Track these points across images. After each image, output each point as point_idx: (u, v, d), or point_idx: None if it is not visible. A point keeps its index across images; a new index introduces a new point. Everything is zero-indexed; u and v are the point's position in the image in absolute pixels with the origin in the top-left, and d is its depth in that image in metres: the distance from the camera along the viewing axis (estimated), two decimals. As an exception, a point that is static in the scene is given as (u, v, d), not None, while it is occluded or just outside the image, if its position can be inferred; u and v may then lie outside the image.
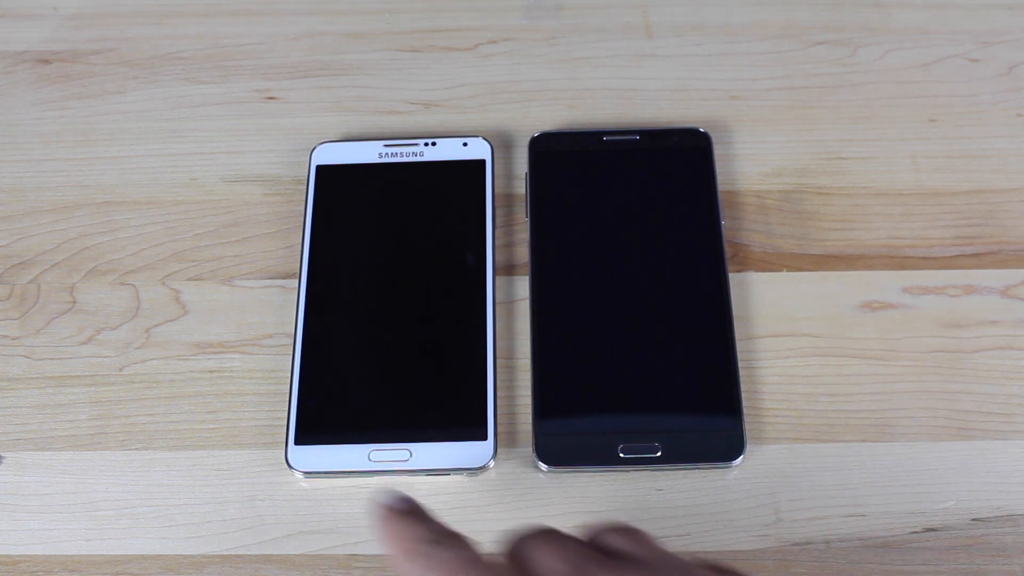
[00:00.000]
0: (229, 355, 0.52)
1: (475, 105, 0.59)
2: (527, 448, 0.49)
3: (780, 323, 0.52)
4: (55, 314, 0.53)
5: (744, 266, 0.53)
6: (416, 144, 0.56)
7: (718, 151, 0.56)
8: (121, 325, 0.53)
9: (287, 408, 0.50)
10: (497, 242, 0.54)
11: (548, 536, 0.37)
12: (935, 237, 0.54)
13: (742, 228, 0.54)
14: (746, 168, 0.56)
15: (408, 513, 0.40)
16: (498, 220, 0.55)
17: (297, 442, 0.49)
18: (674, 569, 0.36)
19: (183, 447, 0.50)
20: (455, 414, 0.49)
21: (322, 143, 0.56)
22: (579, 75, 0.59)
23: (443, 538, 0.38)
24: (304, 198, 0.55)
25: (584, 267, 0.52)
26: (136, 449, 0.50)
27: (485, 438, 0.49)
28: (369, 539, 0.47)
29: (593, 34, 0.61)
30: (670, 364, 0.50)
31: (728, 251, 0.53)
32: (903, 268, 0.53)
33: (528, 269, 0.53)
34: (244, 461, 0.49)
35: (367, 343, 0.51)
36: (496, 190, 0.55)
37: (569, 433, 0.49)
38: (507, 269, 0.54)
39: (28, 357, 0.52)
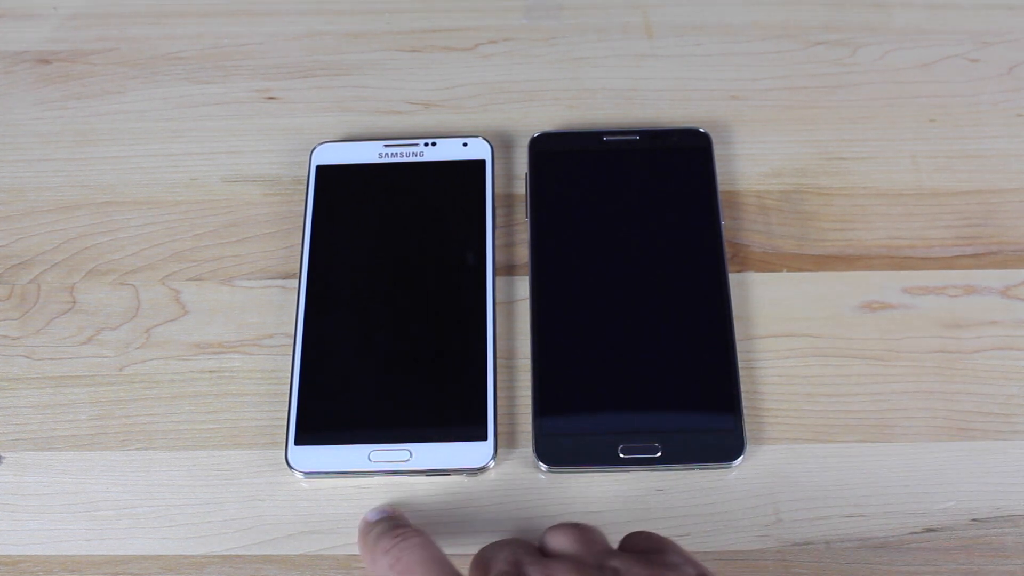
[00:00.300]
0: (229, 355, 0.52)
1: (475, 105, 0.59)
2: (527, 448, 0.49)
3: (780, 323, 0.52)
4: (55, 314, 0.53)
5: (744, 266, 0.53)
6: (416, 144, 0.56)
7: (718, 151, 0.56)
8: (121, 325, 0.53)
9: (287, 408, 0.50)
10: (497, 242, 0.54)
11: (506, 540, 0.42)
12: (935, 237, 0.54)
13: (742, 228, 0.54)
14: (746, 168, 0.56)
15: (379, 521, 0.44)
16: (498, 220, 0.55)
17: (297, 442, 0.49)
18: (595, 569, 0.40)
19: (183, 447, 0.50)
20: (455, 414, 0.49)
21: (322, 143, 0.56)
22: (579, 75, 0.59)
23: (409, 535, 0.42)
24: (304, 198, 0.55)
25: (584, 267, 0.52)
26: (136, 449, 0.50)
27: (485, 438, 0.49)
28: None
29: (593, 34, 0.61)
30: (670, 364, 0.50)
31: (728, 251, 0.53)
32: (903, 268, 0.53)
33: (528, 269, 0.53)
34: (244, 461, 0.49)
35: (367, 343, 0.51)
36: (496, 190, 0.55)
37: (569, 433, 0.49)
38: (507, 269, 0.54)
39: (28, 357, 0.52)
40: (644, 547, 0.42)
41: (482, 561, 0.41)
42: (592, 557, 0.40)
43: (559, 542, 0.42)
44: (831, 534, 0.47)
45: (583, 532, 0.42)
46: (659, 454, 0.48)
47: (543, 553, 0.42)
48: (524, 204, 0.55)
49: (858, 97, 0.58)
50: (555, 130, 0.57)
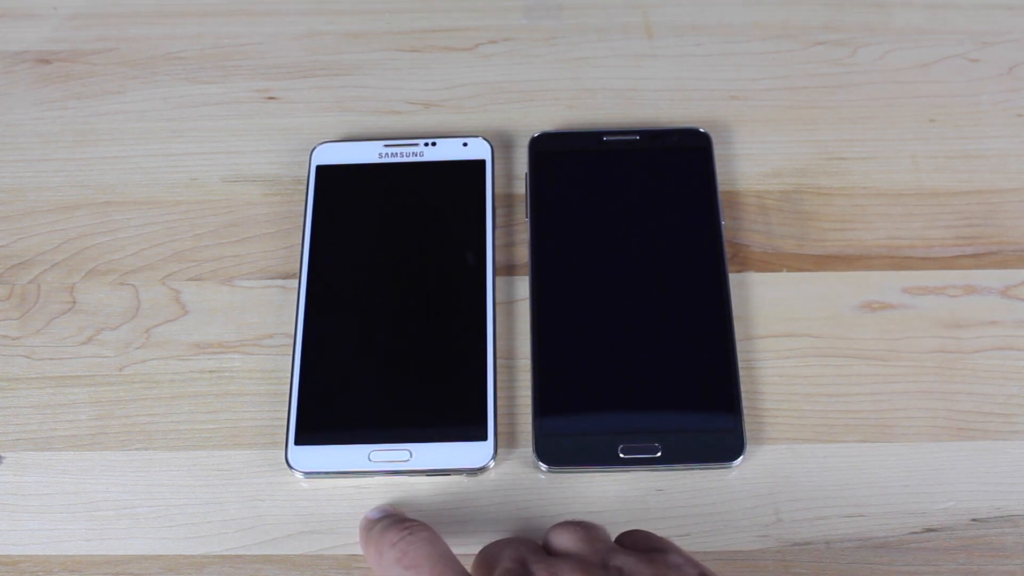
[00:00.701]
0: (229, 355, 0.52)
1: (475, 105, 0.59)
2: (527, 448, 0.49)
3: (780, 323, 0.52)
4: (55, 314, 0.53)
5: (744, 266, 0.53)
6: (416, 144, 0.56)
7: (718, 151, 0.56)
8: (121, 325, 0.53)
9: (287, 408, 0.50)
10: (497, 242, 0.54)
11: (510, 539, 0.42)
12: (935, 237, 0.54)
13: (742, 228, 0.54)
14: (746, 168, 0.56)
15: (382, 517, 0.44)
16: (498, 220, 0.55)
17: (297, 442, 0.49)
18: (600, 567, 0.40)
19: (183, 447, 0.50)
20: (455, 414, 0.49)
21: (322, 143, 0.56)
22: (579, 75, 0.59)
23: (417, 530, 0.42)
24: (304, 198, 0.55)
25: (584, 267, 0.52)
26: (136, 449, 0.50)
27: (485, 438, 0.49)
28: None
29: (593, 34, 0.61)
30: (670, 364, 0.50)
31: (728, 251, 0.53)
32: (903, 268, 0.53)
33: (528, 269, 0.53)
34: (244, 461, 0.49)
35: (367, 343, 0.51)
36: (496, 190, 0.55)
37: (569, 433, 0.49)
38: (507, 269, 0.54)
39: (28, 357, 0.52)
40: (644, 546, 0.42)
41: (487, 559, 0.41)
42: (596, 555, 0.41)
43: (563, 540, 0.42)
44: (831, 534, 0.47)
45: (587, 530, 0.42)
46: (659, 454, 0.48)
47: (548, 551, 0.42)
48: (524, 204, 0.55)
49: (858, 97, 0.58)
50: (555, 130, 0.57)
